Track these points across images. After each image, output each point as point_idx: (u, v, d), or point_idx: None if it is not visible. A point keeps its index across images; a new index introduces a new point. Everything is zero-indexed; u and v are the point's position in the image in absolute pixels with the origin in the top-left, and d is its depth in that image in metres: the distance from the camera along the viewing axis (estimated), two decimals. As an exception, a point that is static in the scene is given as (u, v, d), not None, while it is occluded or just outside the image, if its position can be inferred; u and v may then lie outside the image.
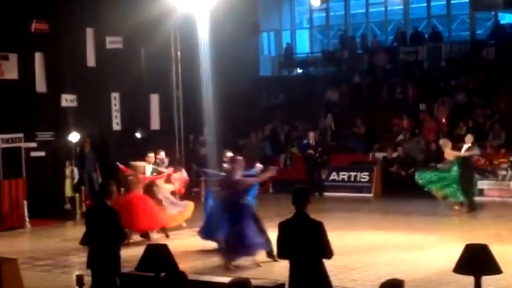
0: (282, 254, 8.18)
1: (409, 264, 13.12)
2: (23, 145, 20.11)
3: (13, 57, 20.30)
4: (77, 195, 20.57)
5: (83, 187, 21.08)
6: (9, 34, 19.96)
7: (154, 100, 23.92)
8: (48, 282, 12.72)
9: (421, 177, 19.61)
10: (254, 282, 7.06)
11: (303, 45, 33.16)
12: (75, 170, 21.32)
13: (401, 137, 25.01)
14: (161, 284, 6.84)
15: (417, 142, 24.33)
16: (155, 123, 23.98)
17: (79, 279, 8.19)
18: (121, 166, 16.88)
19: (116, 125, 23.03)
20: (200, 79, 24.45)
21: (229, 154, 15.39)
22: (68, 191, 21.22)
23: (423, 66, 28.64)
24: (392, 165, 23.65)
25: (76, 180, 21.26)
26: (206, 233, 14.50)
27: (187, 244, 15.35)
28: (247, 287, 6.82)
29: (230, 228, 13.18)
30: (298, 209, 8.14)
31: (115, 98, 22.91)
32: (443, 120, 25.13)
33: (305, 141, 24.56)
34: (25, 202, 19.04)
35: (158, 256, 7.26)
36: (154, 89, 23.87)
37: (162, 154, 18.38)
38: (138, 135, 23.86)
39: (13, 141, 19.91)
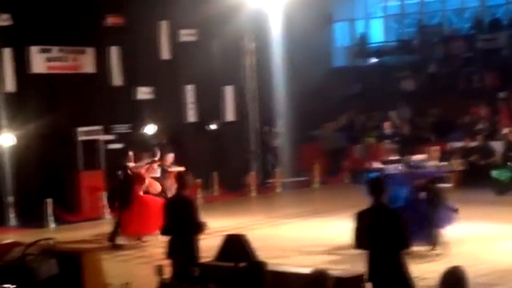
0: (360, 245, 8.09)
1: (489, 254, 12.87)
2: (101, 137, 20.44)
3: (90, 51, 20.65)
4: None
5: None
6: (85, 29, 20.27)
7: (229, 91, 24.01)
8: (128, 272, 12.85)
9: (499, 175, 19.29)
10: (333, 273, 7.01)
11: (377, 34, 32.76)
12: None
13: (479, 126, 24.51)
14: (241, 274, 6.83)
15: (495, 131, 23.81)
16: (229, 115, 24.08)
17: (159, 269, 8.24)
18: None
19: (191, 117, 23.21)
20: (273, 70, 24.48)
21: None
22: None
23: (502, 53, 27.97)
24: (471, 154, 23.20)
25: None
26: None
27: (266, 234, 15.34)
28: (326, 277, 6.77)
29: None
30: (374, 199, 8.06)
31: (189, 90, 23.10)
32: (523, 109, 24.54)
33: (387, 131, 24.26)
34: (103, 193, 19.33)
35: (238, 246, 7.25)
36: (228, 81, 23.97)
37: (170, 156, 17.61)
38: (212, 126, 23.97)
39: (92, 133, 20.26)
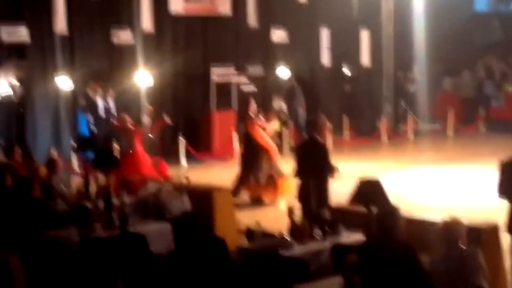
0: (502, 194, 7.86)
1: None
2: (234, 78, 20.58)
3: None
4: (285, 129, 20.77)
5: (290, 121, 21.23)
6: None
7: (365, 36, 23.63)
8: (259, 211, 13.00)
9: None
10: (466, 222, 6.81)
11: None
12: (283, 105, 21.51)
13: None
14: (373, 219, 6.73)
15: None
16: (365, 60, 23.74)
17: (290, 210, 8.25)
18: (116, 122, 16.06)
19: (326, 61, 23.02)
20: (412, 14, 23.86)
21: None
22: (277, 126, 21.44)
23: None
24: None
25: (285, 114, 21.44)
26: None
27: (396, 180, 15.13)
28: (460, 227, 6.58)
29: None
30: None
31: (325, 34, 22.86)
32: None
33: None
34: (234, 133, 19.54)
35: (371, 191, 7.14)
36: (365, 25, 23.57)
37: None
38: (346, 71, 23.70)
39: (225, 75, 20.42)
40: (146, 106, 16.97)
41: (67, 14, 18.13)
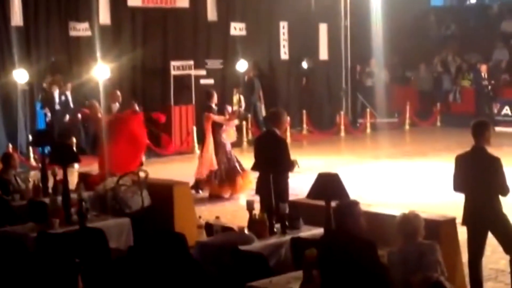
0: (457, 188, 7.96)
1: None
2: (193, 72, 20.53)
3: (185, -14, 20.63)
4: (243, 123, 20.79)
5: (249, 115, 21.27)
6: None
7: (323, 29, 23.72)
8: (217, 206, 13.01)
9: None
10: (424, 216, 6.89)
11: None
12: (242, 98, 21.52)
13: None
14: (332, 213, 6.77)
15: None
16: (323, 53, 23.83)
17: (249, 205, 8.25)
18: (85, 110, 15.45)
19: (284, 55, 23.09)
20: (369, 8, 24.01)
21: None
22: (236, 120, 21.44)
23: None
24: None
25: (243, 108, 21.46)
26: None
27: (354, 174, 15.25)
28: (418, 220, 6.65)
29: None
30: (476, 142, 7.89)
31: (283, 27, 22.92)
32: None
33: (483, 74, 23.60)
34: (194, 128, 19.50)
35: (330, 185, 7.17)
36: (323, 19, 23.66)
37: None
38: (304, 64, 23.78)
39: (183, 68, 20.36)
40: (114, 92, 15.98)
41: (22, 6, 17.92)
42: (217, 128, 13.96)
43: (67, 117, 18.72)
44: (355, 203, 6.61)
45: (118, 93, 15.70)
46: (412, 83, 25.81)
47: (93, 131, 14.66)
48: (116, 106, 15.07)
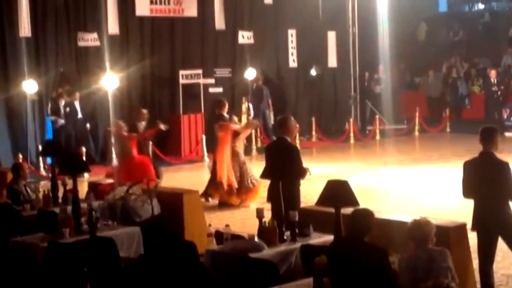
0: (466, 194, 7.93)
1: None
2: (202, 81, 20.54)
3: (193, -5, 20.68)
4: (252, 131, 20.76)
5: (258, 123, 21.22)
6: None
7: (331, 37, 23.73)
8: (226, 214, 13.00)
9: None
10: (435, 222, 6.88)
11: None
12: (251, 106, 21.52)
13: None
14: (342, 220, 6.77)
15: None
16: (332, 61, 23.84)
17: (259, 212, 8.25)
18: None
19: (293, 62, 23.09)
20: (376, 16, 24.01)
21: None
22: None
23: None
24: None
25: (251, 116, 21.45)
26: None
27: (364, 181, 15.23)
28: (429, 226, 6.64)
29: None
30: (484, 148, 7.87)
31: (291, 35, 22.94)
32: None
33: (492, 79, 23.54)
34: (203, 136, 19.50)
35: (339, 193, 7.16)
36: (331, 26, 23.67)
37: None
38: (313, 72, 23.78)
39: (192, 77, 20.38)
40: (140, 111, 15.66)
41: (31, 17, 17.99)
42: (232, 137, 13.97)
43: (88, 125, 18.87)
44: (369, 211, 6.62)
45: (145, 111, 15.26)
46: (420, 89, 25.79)
47: (118, 150, 14.42)
48: (142, 124, 14.89)
